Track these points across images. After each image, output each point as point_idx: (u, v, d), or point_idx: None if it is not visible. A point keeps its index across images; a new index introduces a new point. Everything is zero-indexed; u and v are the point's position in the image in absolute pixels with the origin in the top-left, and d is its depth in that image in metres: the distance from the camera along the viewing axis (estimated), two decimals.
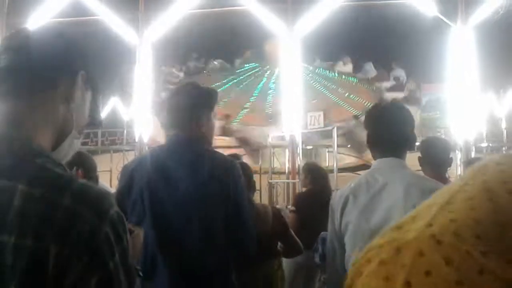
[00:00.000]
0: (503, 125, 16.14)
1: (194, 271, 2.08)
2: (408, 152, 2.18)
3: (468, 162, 4.38)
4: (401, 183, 2.02)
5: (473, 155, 6.82)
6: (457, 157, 6.68)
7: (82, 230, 0.87)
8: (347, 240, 2.07)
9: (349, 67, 15.48)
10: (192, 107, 2.22)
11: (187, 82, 2.39)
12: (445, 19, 7.08)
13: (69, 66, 1.04)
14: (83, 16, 7.93)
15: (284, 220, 3.60)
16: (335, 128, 6.59)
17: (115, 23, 7.62)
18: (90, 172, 2.79)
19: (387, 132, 2.13)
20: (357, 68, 15.59)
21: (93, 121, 1.15)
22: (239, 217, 2.18)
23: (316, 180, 4.71)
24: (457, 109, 7.27)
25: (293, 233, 3.36)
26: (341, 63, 15.48)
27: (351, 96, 13.86)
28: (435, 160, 3.08)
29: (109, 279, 0.89)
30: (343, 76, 15.09)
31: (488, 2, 6.97)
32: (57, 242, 0.84)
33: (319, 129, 7.46)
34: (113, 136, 16.41)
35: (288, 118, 7.28)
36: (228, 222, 2.14)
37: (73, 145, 1.08)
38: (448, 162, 3.16)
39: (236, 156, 4.57)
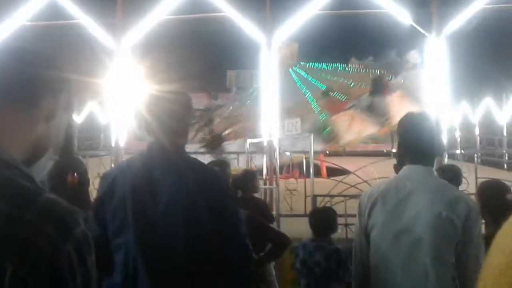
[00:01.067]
0: (477, 132, 16.49)
1: (176, 279, 2.07)
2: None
3: (441, 170, 4.47)
4: (427, 191, 2.18)
5: (446, 161, 6.95)
6: None
7: (42, 248, 0.83)
8: (373, 238, 2.24)
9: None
10: (184, 115, 2.25)
11: (175, 90, 2.39)
12: (420, 29, 7.22)
13: (53, 85, 1.04)
14: (60, 20, 7.85)
15: (260, 221, 3.63)
16: (312, 135, 6.66)
17: (92, 27, 7.56)
18: (83, 175, 2.79)
19: (417, 141, 2.29)
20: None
21: (66, 146, 1.13)
22: (230, 226, 2.17)
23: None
24: (431, 117, 7.39)
25: (274, 227, 3.37)
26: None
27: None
28: None
29: None
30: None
31: (462, 12, 7.13)
32: (14, 260, 0.80)
33: (296, 135, 7.51)
34: (90, 140, 16.24)
35: (266, 125, 7.32)
36: (219, 232, 2.12)
37: (47, 165, 1.06)
38: None
39: (224, 163, 4.59)
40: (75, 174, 2.71)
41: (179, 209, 2.09)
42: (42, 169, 1.05)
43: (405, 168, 2.32)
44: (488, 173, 8.06)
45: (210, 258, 2.13)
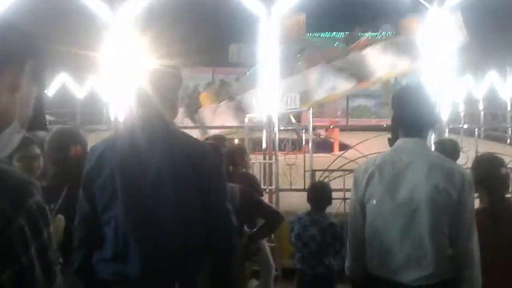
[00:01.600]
0: (481, 106, 16.35)
1: (167, 253, 2.07)
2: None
3: (438, 143, 4.45)
4: (424, 164, 2.22)
5: (447, 136, 6.88)
6: (431, 138, 6.74)
7: None
8: (369, 209, 2.29)
9: None
10: (176, 89, 2.27)
11: (168, 64, 2.38)
12: (421, 0, 7.06)
13: (17, 54, 1.00)
14: None
15: (254, 196, 3.64)
16: (311, 109, 6.61)
17: None
18: (85, 148, 2.86)
19: (410, 114, 2.30)
20: None
21: (37, 120, 1.09)
22: (216, 202, 2.18)
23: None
24: (433, 90, 7.30)
25: (268, 203, 3.40)
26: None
27: None
28: None
29: (22, 274, 0.83)
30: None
31: None
32: None
33: (295, 110, 7.45)
34: (92, 115, 16.24)
35: (265, 99, 7.24)
36: (206, 208, 2.13)
37: (12, 138, 1.01)
38: None
39: (221, 138, 4.56)
40: (77, 146, 2.76)
41: (168, 184, 2.09)
42: (6, 141, 1.00)
43: (399, 142, 2.34)
44: (491, 148, 7.99)
45: (199, 233, 2.13)
